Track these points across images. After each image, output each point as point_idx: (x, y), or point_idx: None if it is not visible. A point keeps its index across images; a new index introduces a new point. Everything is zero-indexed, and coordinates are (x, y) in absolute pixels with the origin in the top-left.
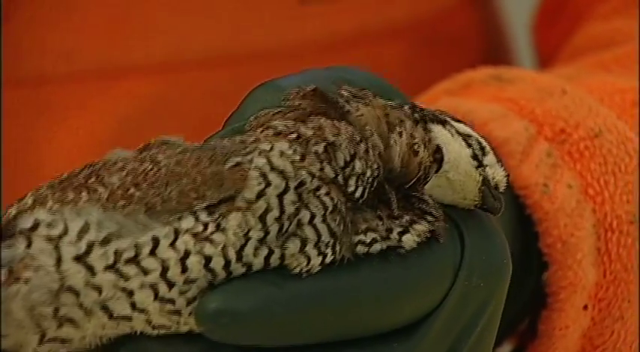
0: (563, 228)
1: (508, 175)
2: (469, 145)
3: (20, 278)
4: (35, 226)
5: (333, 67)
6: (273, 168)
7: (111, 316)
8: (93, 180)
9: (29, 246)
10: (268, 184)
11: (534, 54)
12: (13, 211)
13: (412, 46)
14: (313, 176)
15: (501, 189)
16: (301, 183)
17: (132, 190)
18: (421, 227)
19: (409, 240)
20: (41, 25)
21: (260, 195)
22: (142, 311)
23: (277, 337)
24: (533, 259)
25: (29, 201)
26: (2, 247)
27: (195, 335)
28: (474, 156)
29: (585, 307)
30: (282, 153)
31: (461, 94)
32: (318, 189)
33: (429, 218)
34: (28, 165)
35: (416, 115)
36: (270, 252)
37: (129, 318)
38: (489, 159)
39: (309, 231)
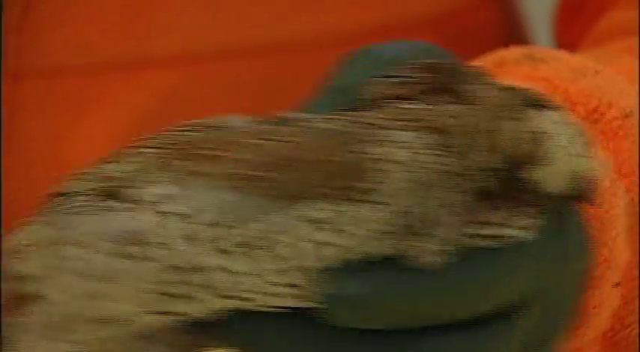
0: (598, 206)
1: (602, 163)
2: (570, 134)
3: (135, 254)
4: (161, 199)
5: (420, 41)
6: (402, 162)
7: (221, 295)
8: (216, 151)
9: (144, 220)
10: (398, 178)
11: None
12: (125, 168)
13: (434, 42)
14: (442, 171)
15: (593, 180)
16: (429, 178)
17: (254, 171)
18: (528, 221)
19: (517, 233)
20: (60, 17)
21: (389, 189)
22: (254, 292)
23: (390, 321)
24: None
25: (142, 160)
26: (119, 212)
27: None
28: (574, 145)
29: (617, 285)
30: (411, 146)
31: (493, 73)
32: (445, 184)
33: (536, 210)
34: (47, 158)
35: (528, 99)
36: (403, 246)
37: (239, 298)
38: (586, 149)
39: (440, 230)
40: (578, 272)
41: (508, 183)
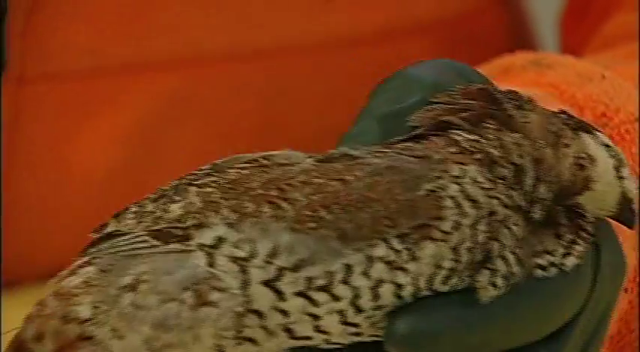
0: None
1: (639, 187)
2: (612, 156)
3: (208, 301)
4: (218, 243)
5: (441, 61)
6: (466, 197)
7: (292, 337)
8: (273, 192)
9: (212, 264)
10: (463, 214)
11: (561, 52)
12: (177, 209)
13: (438, 45)
14: (504, 205)
15: (635, 203)
16: (492, 213)
17: (322, 212)
18: (580, 248)
19: (571, 262)
20: (64, 21)
21: (455, 225)
22: (325, 332)
23: None
24: None
25: (196, 200)
26: (174, 254)
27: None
28: (616, 168)
29: (625, 290)
30: (474, 180)
31: (500, 79)
32: (507, 218)
33: (585, 235)
34: (51, 161)
35: (571, 123)
36: (460, 281)
37: (309, 338)
38: (626, 171)
39: (499, 263)
40: (611, 291)
41: (564, 210)
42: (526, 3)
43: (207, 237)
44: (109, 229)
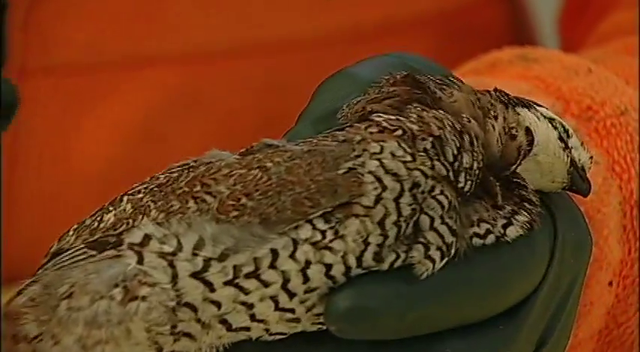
0: (590, 204)
1: (592, 157)
2: (555, 127)
3: (137, 296)
4: (146, 241)
5: (391, 53)
6: (387, 172)
7: (229, 328)
8: (198, 188)
9: (140, 261)
10: (384, 188)
11: (559, 47)
12: (110, 217)
13: (439, 39)
14: (426, 176)
15: (587, 171)
16: (416, 184)
17: (243, 200)
18: (522, 217)
19: (512, 232)
20: (69, 15)
21: (377, 200)
22: (262, 321)
23: (403, 330)
24: None
25: (127, 207)
26: (107, 259)
27: (318, 336)
28: (561, 138)
29: (610, 283)
30: (393, 155)
31: (487, 73)
32: (432, 189)
33: (528, 206)
34: (56, 154)
35: (503, 99)
36: (396, 257)
37: (247, 329)
38: (574, 141)
39: (431, 236)
40: (574, 266)
41: (500, 181)
42: None
43: (135, 236)
44: (52, 249)
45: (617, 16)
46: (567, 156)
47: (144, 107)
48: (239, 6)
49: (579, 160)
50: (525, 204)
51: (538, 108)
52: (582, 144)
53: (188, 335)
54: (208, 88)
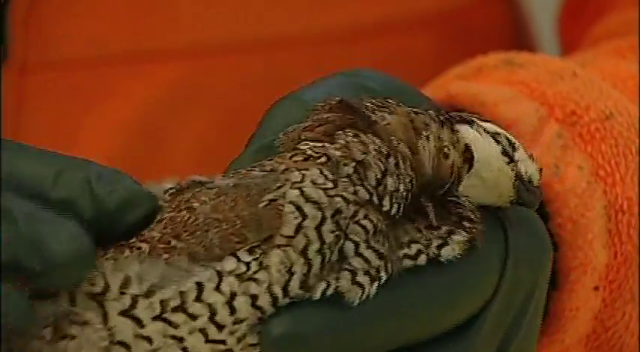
0: (574, 209)
1: (541, 169)
2: (498, 142)
3: (67, 335)
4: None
5: (347, 71)
6: (307, 200)
7: None
8: (134, 239)
9: (73, 302)
10: (304, 217)
11: (558, 48)
12: None
13: (438, 39)
14: (348, 201)
15: (535, 182)
16: (338, 211)
17: (173, 242)
18: (459, 237)
19: (448, 251)
20: (70, 11)
21: (298, 229)
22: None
23: None
24: None
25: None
26: (43, 302)
27: None
28: (504, 152)
29: (596, 288)
30: (314, 183)
31: (472, 78)
32: (355, 214)
33: (467, 224)
34: (57, 149)
35: (441, 117)
36: (326, 286)
37: None
38: (520, 154)
39: (356, 262)
40: (531, 276)
41: (436, 201)
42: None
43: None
44: None
45: (610, 19)
46: (512, 170)
47: (145, 102)
48: (239, 1)
49: (526, 173)
50: (465, 222)
51: (481, 123)
52: (530, 156)
53: None
54: (209, 83)
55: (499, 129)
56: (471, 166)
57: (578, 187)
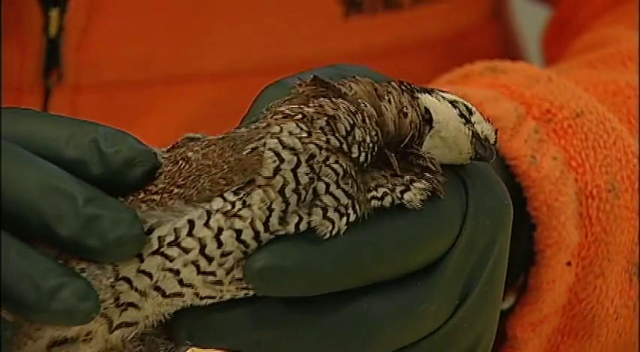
0: (549, 194)
1: (497, 130)
2: (455, 106)
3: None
4: None
5: (335, 64)
6: (284, 147)
7: (164, 294)
8: (142, 194)
9: None
10: (282, 161)
11: (544, 65)
12: None
13: (440, 59)
14: (321, 148)
15: (491, 141)
16: (311, 156)
17: (174, 190)
18: (421, 185)
19: (409, 196)
20: (117, 38)
21: (276, 171)
22: (190, 286)
23: (314, 287)
24: (524, 221)
25: None
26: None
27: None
28: (461, 115)
29: (569, 263)
30: (290, 133)
31: (460, 83)
32: (327, 159)
33: (428, 175)
34: None
35: (402, 87)
36: (299, 220)
37: (180, 294)
38: (476, 117)
39: (327, 199)
40: (490, 229)
41: (399, 155)
42: (515, 22)
43: None
44: None
45: (585, 37)
46: (469, 130)
47: (184, 118)
48: (269, 29)
49: (482, 132)
50: (426, 173)
51: (440, 93)
52: (486, 119)
53: (132, 304)
54: (241, 101)
55: (457, 98)
56: (431, 127)
57: (552, 175)
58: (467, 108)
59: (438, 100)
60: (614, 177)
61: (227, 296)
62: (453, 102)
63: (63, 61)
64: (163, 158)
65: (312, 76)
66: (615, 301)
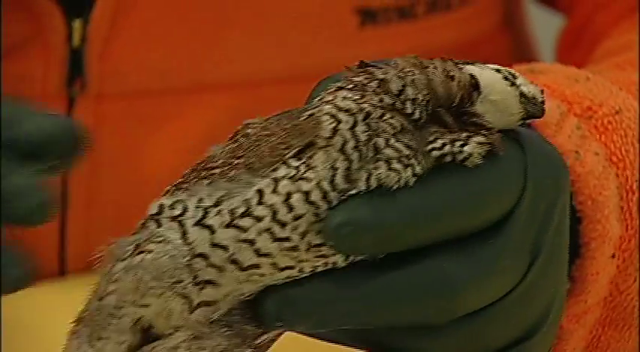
0: (593, 188)
1: (542, 90)
2: (499, 71)
3: (144, 250)
4: (160, 210)
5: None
6: (339, 109)
7: (241, 268)
8: (203, 173)
9: (159, 227)
10: (339, 122)
11: None
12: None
13: None
14: (375, 106)
15: (539, 99)
16: (367, 114)
17: (235, 161)
18: (479, 138)
19: (470, 149)
20: (138, 47)
21: (334, 131)
22: (266, 255)
23: (391, 243)
24: (569, 215)
25: (177, 188)
26: (138, 228)
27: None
28: (506, 78)
29: (612, 256)
30: (344, 98)
31: None
32: (382, 116)
33: (485, 132)
34: (127, 167)
35: (444, 58)
36: (367, 176)
37: (257, 266)
38: (520, 80)
39: (388, 151)
40: (551, 190)
41: (437, 116)
42: (530, 30)
43: (153, 208)
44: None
45: (606, 43)
46: (516, 90)
47: (204, 125)
48: (288, 39)
49: (529, 92)
50: (482, 130)
51: (482, 64)
52: (530, 82)
53: (210, 282)
54: (260, 109)
55: (499, 67)
56: (479, 92)
57: (595, 170)
58: (510, 73)
59: (481, 68)
60: None
61: (307, 269)
62: (495, 69)
63: (86, 70)
64: (226, 143)
65: (358, 62)
66: None
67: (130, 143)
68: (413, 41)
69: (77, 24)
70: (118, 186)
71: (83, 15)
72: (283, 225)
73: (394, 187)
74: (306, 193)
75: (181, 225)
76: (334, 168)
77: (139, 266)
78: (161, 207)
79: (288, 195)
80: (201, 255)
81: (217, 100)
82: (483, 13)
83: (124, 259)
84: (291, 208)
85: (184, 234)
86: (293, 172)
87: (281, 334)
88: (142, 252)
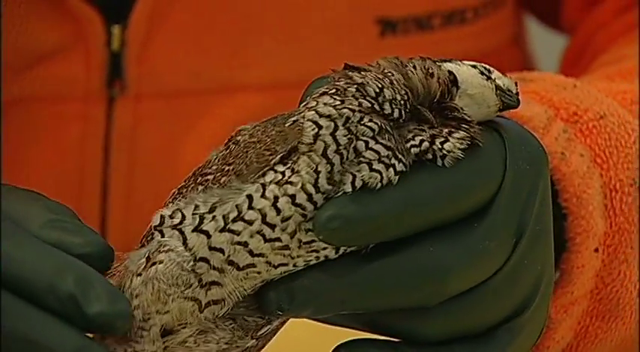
0: (577, 187)
1: (516, 82)
2: (475, 67)
3: (155, 261)
4: (162, 220)
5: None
6: (321, 116)
7: (239, 267)
8: (199, 178)
9: (162, 237)
10: (320, 127)
11: None
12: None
13: None
14: (353, 111)
15: (514, 91)
16: (347, 119)
17: (225, 168)
18: (459, 134)
19: (449, 146)
20: (174, 50)
21: (316, 137)
22: (260, 255)
23: (379, 234)
24: (556, 212)
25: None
26: (144, 242)
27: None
28: (482, 73)
29: (596, 250)
30: (325, 104)
31: None
32: (361, 119)
33: (464, 125)
34: (162, 163)
35: (423, 56)
36: (352, 178)
37: (253, 265)
38: (495, 74)
39: (369, 154)
40: (531, 173)
41: (418, 113)
42: (532, 49)
43: (155, 219)
44: None
45: (602, 57)
46: (492, 83)
47: (234, 123)
48: (310, 45)
49: (504, 85)
50: (462, 124)
51: (459, 61)
52: (504, 75)
53: (214, 283)
54: (285, 109)
55: (474, 62)
56: (457, 87)
57: (580, 170)
58: (485, 67)
59: (458, 65)
60: (635, 173)
61: (300, 263)
62: (471, 65)
63: (125, 72)
64: (221, 148)
65: (344, 65)
66: (638, 285)
67: (166, 140)
68: (428, 51)
69: (116, 30)
70: (155, 181)
71: (121, 21)
72: (273, 226)
73: (377, 186)
74: (292, 196)
75: (181, 232)
76: (317, 172)
77: (155, 277)
78: (162, 217)
79: (276, 199)
80: (203, 259)
81: (247, 100)
82: (495, 28)
83: (140, 274)
84: (279, 211)
85: (185, 241)
86: (279, 177)
87: (282, 325)
88: (154, 264)
